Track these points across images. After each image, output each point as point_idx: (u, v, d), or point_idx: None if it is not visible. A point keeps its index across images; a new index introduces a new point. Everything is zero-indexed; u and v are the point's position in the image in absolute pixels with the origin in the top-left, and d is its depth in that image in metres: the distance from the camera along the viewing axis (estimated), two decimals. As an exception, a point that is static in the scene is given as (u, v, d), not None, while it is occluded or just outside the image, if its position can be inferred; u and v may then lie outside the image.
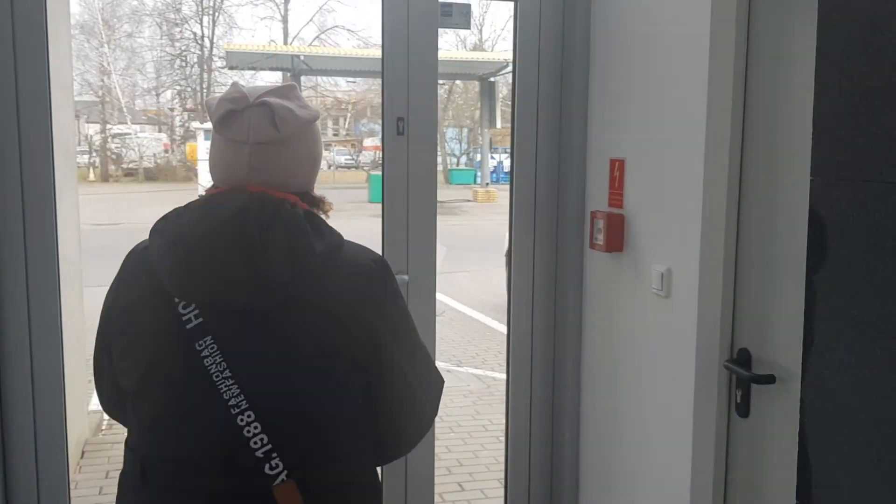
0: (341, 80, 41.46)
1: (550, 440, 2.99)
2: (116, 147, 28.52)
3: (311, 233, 1.41)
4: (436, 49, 2.70)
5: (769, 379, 2.03)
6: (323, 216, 1.52)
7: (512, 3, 2.80)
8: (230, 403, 1.36)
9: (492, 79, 27.38)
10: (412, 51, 2.67)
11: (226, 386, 1.37)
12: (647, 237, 2.46)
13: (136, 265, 1.49)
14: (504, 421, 3.05)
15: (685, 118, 2.23)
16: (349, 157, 51.49)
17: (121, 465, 1.50)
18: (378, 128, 50.68)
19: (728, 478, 2.24)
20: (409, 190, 2.69)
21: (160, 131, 32.51)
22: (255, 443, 1.36)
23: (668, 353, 2.34)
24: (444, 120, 44.90)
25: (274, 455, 1.36)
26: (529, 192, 2.87)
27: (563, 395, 2.95)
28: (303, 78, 29.06)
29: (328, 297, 1.43)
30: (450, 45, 45.24)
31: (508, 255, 2.85)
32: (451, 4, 2.74)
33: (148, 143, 29.50)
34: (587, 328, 2.87)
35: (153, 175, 27.95)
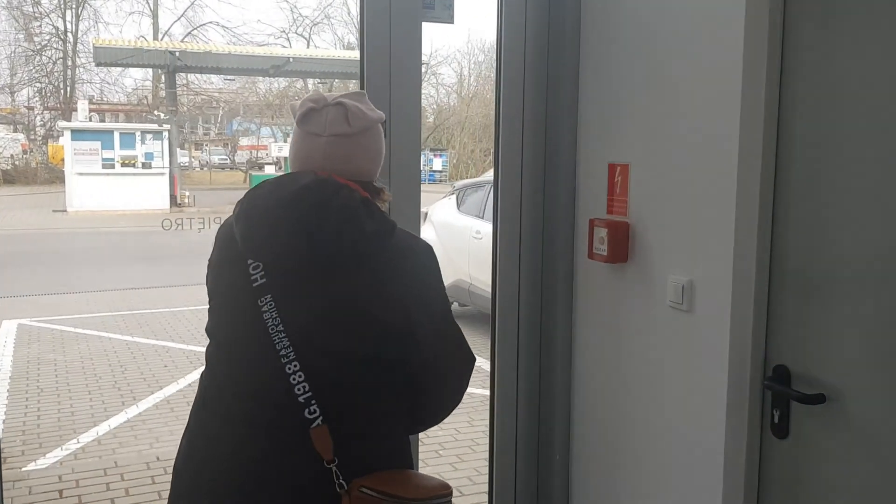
0: (215, 78, 40.21)
1: (536, 464, 2.80)
2: (-33, 148, 26.63)
3: (363, 214, 1.62)
4: (419, 44, 2.47)
5: (818, 398, 1.91)
6: (380, 205, 1.74)
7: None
8: (280, 353, 1.61)
9: (374, 77, 27.14)
10: (394, 46, 2.43)
11: (278, 338, 1.61)
12: (659, 247, 2.30)
13: (223, 231, 1.76)
14: (489, 444, 2.85)
15: (709, 115, 2.08)
16: (223, 157, 50.01)
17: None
18: (254, 127, 49.73)
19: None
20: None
21: (16, 131, 30.52)
22: (299, 389, 1.60)
23: (691, 371, 2.20)
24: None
25: (313, 402, 1.60)
26: (514, 199, 2.67)
27: (553, 417, 2.76)
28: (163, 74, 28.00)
29: (373, 274, 1.64)
30: (328, 43, 44.65)
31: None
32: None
33: (4, 144, 27.68)
34: (584, 345, 2.70)
35: (11, 178, 26.22)
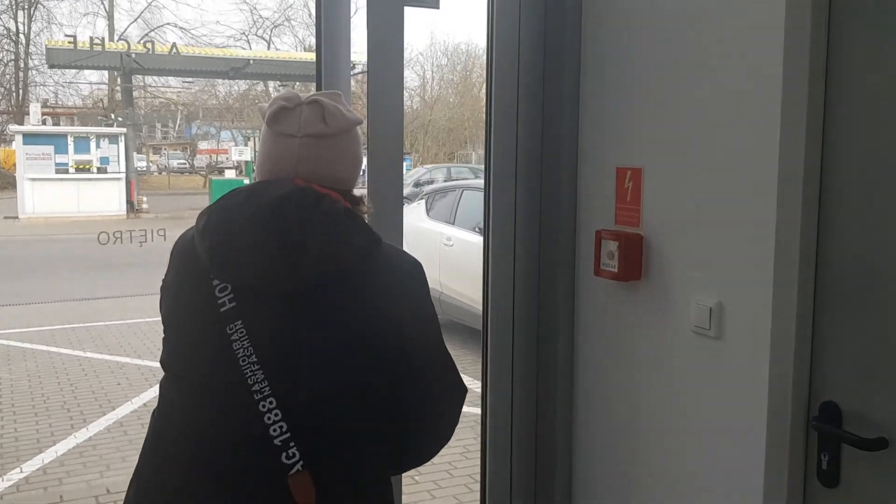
0: (173, 81, 39.55)
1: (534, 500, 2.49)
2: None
3: (349, 228, 1.47)
4: (401, 32, 2.15)
5: (879, 444, 1.62)
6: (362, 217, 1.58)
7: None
8: (253, 389, 1.42)
9: (337, 80, 26.80)
10: (372, 33, 2.11)
11: (251, 371, 1.42)
12: (680, 263, 2.01)
13: (182, 247, 1.57)
14: (480, 476, 2.53)
15: (742, 112, 1.79)
16: (182, 161, 49.20)
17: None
18: (213, 130, 49.19)
19: (805, 561, 1.82)
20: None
21: (-36, 135, 29.66)
22: (275, 430, 1.41)
23: (721, 409, 1.90)
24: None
25: (292, 444, 1.41)
26: (508, 207, 2.36)
27: (553, 458, 2.45)
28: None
29: (360, 293, 1.48)
30: (288, 46, 44.23)
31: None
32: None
33: (-49, 148, 26.92)
34: (589, 375, 2.38)
35: (-41, 183, 25.44)
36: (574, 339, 2.41)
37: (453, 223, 8.20)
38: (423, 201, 9.11)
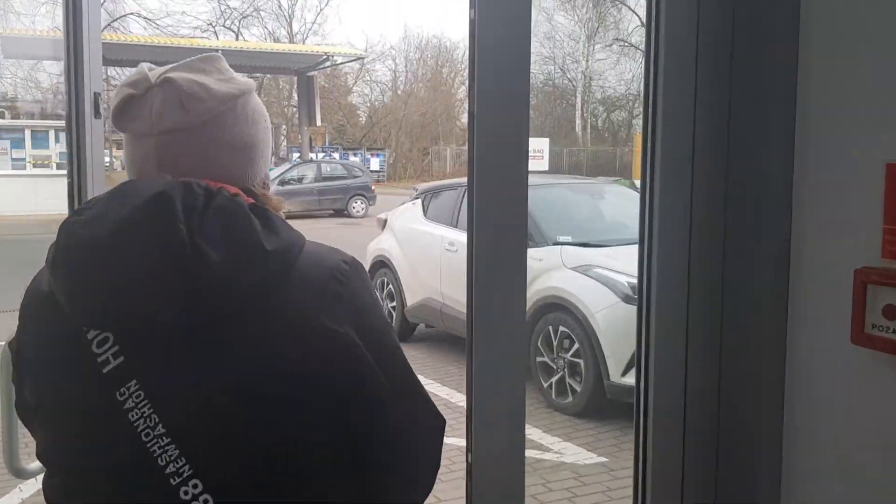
0: (137, 73, 38.44)
1: None
2: None
3: (259, 227, 1.10)
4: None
5: None
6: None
7: None
8: (168, 471, 1.07)
9: (310, 73, 25.84)
10: None
11: (160, 447, 1.07)
12: None
13: (34, 298, 1.22)
14: None
15: None
16: (147, 156, 47.88)
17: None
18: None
19: None
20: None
21: None
22: None
23: None
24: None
25: None
26: (679, 229, 1.48)
27: None
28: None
29: (286, 308, 1.11)
30: (257, 38, 43.29)
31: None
32: None
33: None
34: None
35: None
36: (795, 445, 1.52)
37: (456, 225, 7.33)
38: (418, 201, 8.25)
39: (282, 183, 21.38)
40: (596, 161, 28.31)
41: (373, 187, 23.71)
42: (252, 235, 1.10)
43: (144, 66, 1.23)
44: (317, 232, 17.63)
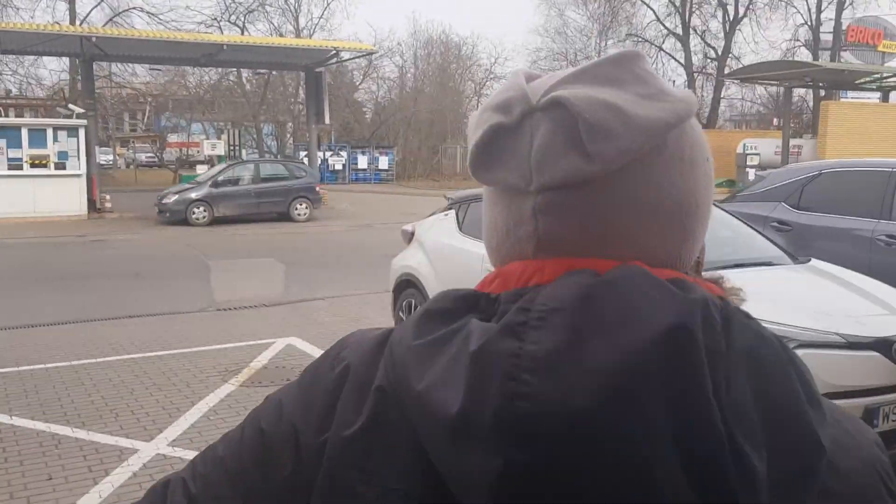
0: (140, 70, 37.54)
1: None
2: None
3: (801, 391, 0.67)
4: None
5: None
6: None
7: None
8: None
9: (318, 69, 24.99)
10: None
11: None
12: None
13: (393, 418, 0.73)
14: None
15: None
16: (151, 154, 47.14)
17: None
18: (184, 123, 47.42)
19: None
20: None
21: None
22: None
23: None
24: (260, 114, 41.89)
25: None
26: None
27: None
28: (95, 65, 25.62)
29: None
30: (263, 32, 42.22)
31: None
32: None
33: None
34: None
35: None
36: None
37: (498, 240, 6.48)
38: (451, 212, 7.38)
39: (215, 185, 20.33)
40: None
41: (318, 188, 22.30)
42: (801, 415, 0.66)
43: (521, 73, 0.79)
44: (256, 238, 16.37)
